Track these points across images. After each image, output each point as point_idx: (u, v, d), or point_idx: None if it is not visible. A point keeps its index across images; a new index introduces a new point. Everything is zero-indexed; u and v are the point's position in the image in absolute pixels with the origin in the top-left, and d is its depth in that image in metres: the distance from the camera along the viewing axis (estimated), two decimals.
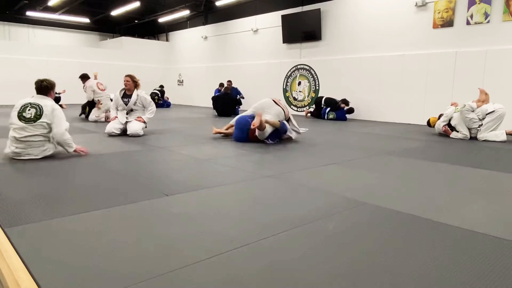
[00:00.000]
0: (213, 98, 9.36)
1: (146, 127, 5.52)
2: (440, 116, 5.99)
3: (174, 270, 1.39)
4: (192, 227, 1.84)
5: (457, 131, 5.50)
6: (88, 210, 2.06)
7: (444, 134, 5.69)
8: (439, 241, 1.72)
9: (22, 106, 3.59)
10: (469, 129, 5.44)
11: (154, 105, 5.56)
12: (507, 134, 5.19)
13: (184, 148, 4.30)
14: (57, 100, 10.41)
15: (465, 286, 1.31)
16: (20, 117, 3.54)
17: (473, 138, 5.44)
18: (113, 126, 5.28)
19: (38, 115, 3.56)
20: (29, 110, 3.56)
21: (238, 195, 2.49)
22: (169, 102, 12.91)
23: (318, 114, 8.66)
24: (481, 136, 5.28)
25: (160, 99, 12.35)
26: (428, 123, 6.37)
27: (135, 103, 5.38)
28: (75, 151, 3.75)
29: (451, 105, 5.96)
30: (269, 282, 1.32)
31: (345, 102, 8.34)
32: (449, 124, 5.67)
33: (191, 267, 1.42)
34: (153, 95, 12.37)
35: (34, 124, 3.54)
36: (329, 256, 1.54)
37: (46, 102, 3.65)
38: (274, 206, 2.22)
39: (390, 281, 1.34)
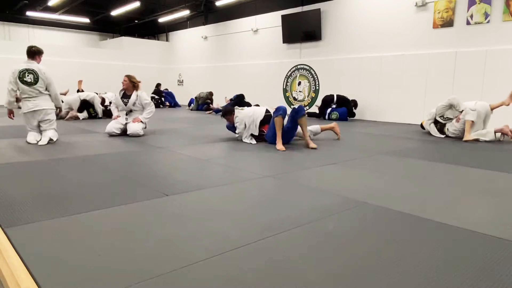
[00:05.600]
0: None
1: (145, 127, 5.51)
2: None
3: (174, 270, 1.39)
4: (192, 227, 1.84)
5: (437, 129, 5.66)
6: (88, 210, 2.06)
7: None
8: (439, 241, 1.72)
9: (20, 72, 4.48)
10: (442, 126, 5.57)
11: (152, 106, 5.55)
12: (495, 132, 5.12)
13: (184, 148, 4.30)
14: None
15: (465, 286, 1.31)
16: (22, 81, 4.47)
17: (445, 134, 5.56)
18: (113, 126, 5.28)
19: (36, 79, 4.51)
20: (27, 75, 4.48)
21: (238, 195, 2.49)
22: (175, 101, 12.71)
23: (322, 112, 8.58)
24: (470, 136, 5.28)
25: (159, 99, 12.30)
26: (422, 126, 6.35)
27: (134, 104, 5.37)
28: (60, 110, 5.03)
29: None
30: (269, 282, 1.32)
31: (355, 103, 8.38)
32: (436, 122, 5.75)
33: (191, 267, 1.42)
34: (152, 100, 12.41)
35: (35, 86, 4.51)
36: (329, 256, 1.54)
37: (39, 67, 4.57)
38: (274, 206, 2.22)
39: (390, 281, 1.34)
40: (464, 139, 5.12)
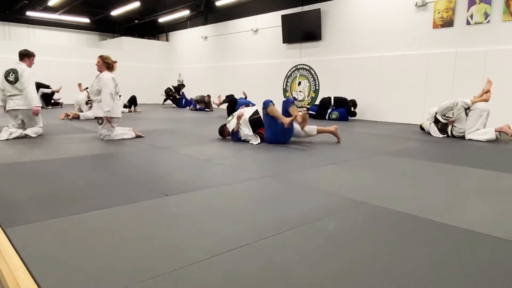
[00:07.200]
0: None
1: (103, 121, 4.70)
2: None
3: (174, 270, 1.39)
4: (192, 227, 1.84)
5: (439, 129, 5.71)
6: (88, 210, 2.06)
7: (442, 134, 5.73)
8: (439, 241, 1.72)
9: (6, 71, 4.75)
10: (444, 126, 5.60)
11: (107, 95, 4.51)
12: (496, 131, 5.11)
13: (184, 148, 4.30)
14: (50, 96, 10.50)
15: (465, 287, 1.31)
16: (6, 80, 4.73)
17: (448, 134, 5.58)
18: (99, 132, 4.87)
19: (17, 78, 4.72)
20: (11, 74, 4.73)
21: (238, 195, 2.49)
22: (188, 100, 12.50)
23: (321, 114, 8.55)
24: (468, 136, 5.29)
25: (175, 93, 12.20)
26: (421, 127, 6.34)
27: (92, 87, 4.76)
28: (36, 107, 4.80)
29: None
30: (269, 282, 1.32)
31: (354, 103, 8.37)
32: (437, 121, 5.76)
33: (191, 267, 1.42)
34: (168, 91, 12.34)
35: (15, 85, 4.72)
36: (329, 256, 1.54)
37: (21, 67, 4.76)
38: (274, 206, 2.22)
39: (390, 281, 1.34)
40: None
